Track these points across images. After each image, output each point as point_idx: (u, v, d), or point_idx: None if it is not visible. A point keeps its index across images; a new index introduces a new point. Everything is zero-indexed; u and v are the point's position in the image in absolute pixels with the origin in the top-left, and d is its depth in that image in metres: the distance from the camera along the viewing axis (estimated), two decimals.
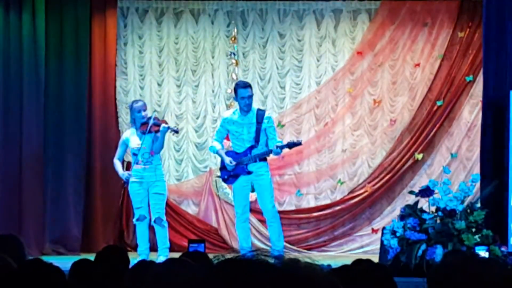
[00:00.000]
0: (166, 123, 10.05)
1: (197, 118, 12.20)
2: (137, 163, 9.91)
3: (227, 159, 9.78)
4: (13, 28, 11.38)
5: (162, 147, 10.03)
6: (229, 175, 9.87)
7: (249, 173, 9.73)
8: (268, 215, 9.91)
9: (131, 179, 9.93)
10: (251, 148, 9.73)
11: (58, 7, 11.61)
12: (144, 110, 9.93)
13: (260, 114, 9.74)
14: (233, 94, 12.23)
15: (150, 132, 9.80)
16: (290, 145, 9.75)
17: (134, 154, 9.94)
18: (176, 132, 10.11)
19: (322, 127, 12.11)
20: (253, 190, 10.13)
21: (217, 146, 9.95)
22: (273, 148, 9.62)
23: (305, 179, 12.10)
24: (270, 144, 9.69)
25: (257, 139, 9.71)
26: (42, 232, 11.42)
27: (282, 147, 9.62)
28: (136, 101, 10.26)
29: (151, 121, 9.84)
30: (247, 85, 9.80)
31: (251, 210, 10.52)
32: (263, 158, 9.75)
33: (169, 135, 10.76)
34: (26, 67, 11.35)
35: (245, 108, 9.67)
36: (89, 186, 11.79)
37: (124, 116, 12.12)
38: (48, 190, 11.50)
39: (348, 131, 12.13)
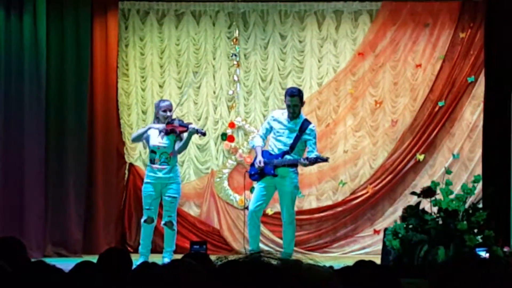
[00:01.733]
0: (193, 125, 10.09)
1: (199, 119, 12.19)
2: (153, 163, 9.91)
3: (258, 159, 9.83)
4: (14, 30, 11.38)
5: (185, 148, 10.12)
6: (256, 172, 9.91)
7: (275, 175, 9.77)
8: (284, 222, 9.98)
9: (145, 180, 9.97)
10: (285, 153, 9.78)
11: (59, 9, 11.61)
12: (170, 111, 9.97)
13: (306, 125, 9.80)
14: (234, 95, 12.26)
15: (174, 132, 9.83)
16: (318, 160, 9.76)
17: (153, 152, 9.93)
18: (204, 134, 10.15)
19: (324, 128, 12.11)
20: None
21: (258, 142, 10.02)
22: (299, 158, 9.67)
23: (307, 180, 12.10)
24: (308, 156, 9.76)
25: (293, 146, 9.76)
26: (44, 234, 11.42)
27: (310, 160, 9.64)
28: (163, 100, 10.28)
29: (177, 122, 9.89)
30: (292, 94, 9.80)
31: None
32: (292, 165, 9.78)
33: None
34: (27, 69, 11.35)
35: (290, 115, 9.77)
36: (91, 188, 11.79)
37: (126, 118, 12.12)
38: (49, 192, 11.50)
39: (349, 132, 12.13)
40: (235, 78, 12.15)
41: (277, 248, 10.70)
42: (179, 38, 12.21)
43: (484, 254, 8.57)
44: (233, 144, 12.16)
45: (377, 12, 12.11)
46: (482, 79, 11.53)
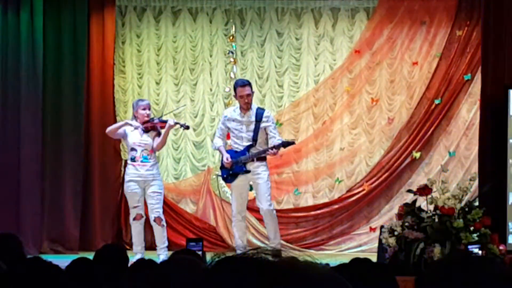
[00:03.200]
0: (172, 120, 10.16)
1: (195, 116, 12.20)
2: (134, 160, 9.91)
3: (225, 156, 9.82)
4: (11, 26, 11.37)
5: (164, 144, 10.14)
6: (228, 174, 9.91)
7: (247, 172, 9.76)
8: (264, 214, 9.94)
9: (128, 178, 9.96)
10: (249, 147, 9.77)
11: (56, 5, 11.60)
12: (149, 109, 10.01)
13: (260, 112, 9.77)
14: (231, 92, 12.27)
15: (154, 129, 9.88)
16: (285, 144, 9.76)
17: (133, 150, 9.94)
18: (186, 128, 10.21)
19: (320, 126, 12.12)
20: (251, 189, 10.17)
21: (218, 142, 10.01)
22: (266, 149, 9.67)
23: (303, 178, 12.10)
24: (270, 143, 9.72)
25: (255, 138, 9.74)
26: (40, 231, 11.42)
27: (277, 147, 9.65)
28: (142, 100, 10.34)
29: (156, 120, 9.95)
30: (246, 83, 9.82)
31: (249, 209, 10.54)
32: (261, 157, 9.78)
33: (172, 133, 10.78)
34: (24, 66, 11.34)
35: (244, 106, 9.73)
36: (87, 185, 11.79)
37: (122, 115, 12.11)
38: (46, 189, 11.50)
39: (346, 130, 12.14)
40: (232, 75, 12.14)
41: (267, 242, 10.66)
42: (176, 35, 12.21)
43: (479, 252, 8.58)
44: (229, 142, 12.15)
45: (374, 10, 12.12)
46: (478, 77, 11.53)
